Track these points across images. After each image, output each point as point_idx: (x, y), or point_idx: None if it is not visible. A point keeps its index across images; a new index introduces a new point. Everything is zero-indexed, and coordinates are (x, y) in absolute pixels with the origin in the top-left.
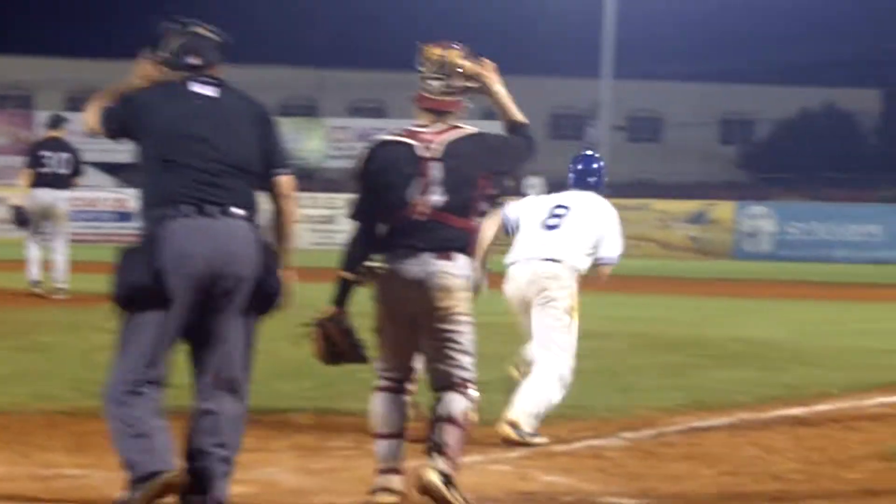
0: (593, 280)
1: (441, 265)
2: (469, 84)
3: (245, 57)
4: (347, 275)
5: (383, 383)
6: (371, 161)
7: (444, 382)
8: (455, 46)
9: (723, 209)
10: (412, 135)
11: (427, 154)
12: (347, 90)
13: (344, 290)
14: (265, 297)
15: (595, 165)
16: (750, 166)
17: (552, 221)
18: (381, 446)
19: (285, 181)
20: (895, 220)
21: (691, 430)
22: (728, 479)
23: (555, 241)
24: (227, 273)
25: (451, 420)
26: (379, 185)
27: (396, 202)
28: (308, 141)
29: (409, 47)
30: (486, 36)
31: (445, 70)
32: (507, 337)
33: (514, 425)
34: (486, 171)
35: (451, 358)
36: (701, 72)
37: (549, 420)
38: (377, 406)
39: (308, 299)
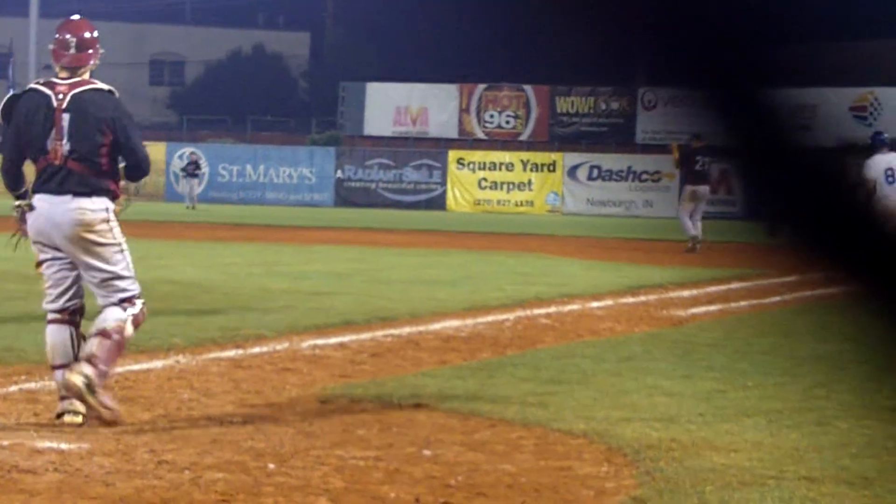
0: None
1: (78, 203)
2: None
3: None
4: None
5: (52, 316)
6: (18, 107)
7: (107, 303)
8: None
9: (154, 151)
10: (51, 86)
11: (58, 104)
12: None
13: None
14: None
15: (887, 135)
16: (180, 108)
17: (891, 178)
18: (59, 375)
19: None
20: (326, 162)
21: (127, 373)
22: (164, 421)
23: None
24: None
25: (102, 333)
26: (22, 131)
27: (39, 150)
28: None
29: None
30: None
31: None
32: None
33: None
34: (108, 123)
35: (110, 284)
36: (130, 11)
37: None
38: (50, 339)
39: None
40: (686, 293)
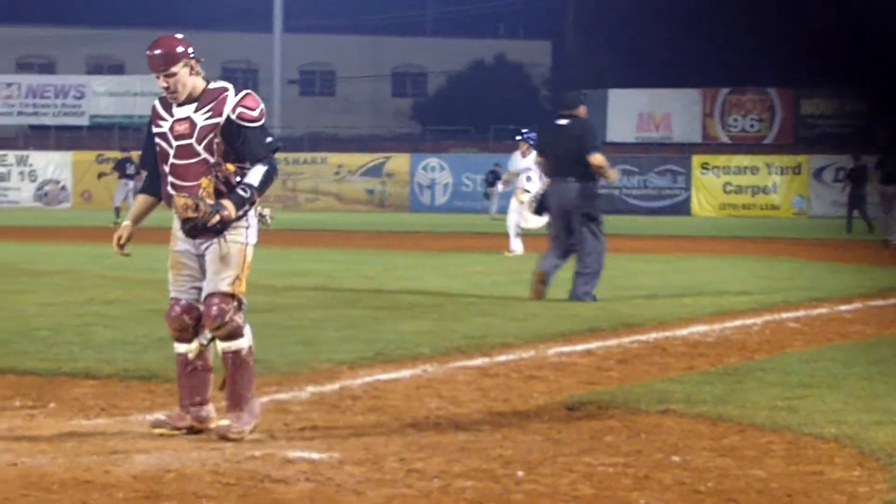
0: None
1: None
2: None
3: None
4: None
5: None
6: None
7: None
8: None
9: (398, 162)
10: None
11: None
12: (14, 46)
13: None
14: None
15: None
16: (423, 119)
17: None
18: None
19: None
20: None
21: (375, 382)
22: (413, 430)
23: None
24: None
25: None
26: None
27: None
28: None
29: (78, 3)
30: None
31: None
32: None
33: None
34: None
35: None
36: (372, 24)
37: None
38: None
39: None
40: None
